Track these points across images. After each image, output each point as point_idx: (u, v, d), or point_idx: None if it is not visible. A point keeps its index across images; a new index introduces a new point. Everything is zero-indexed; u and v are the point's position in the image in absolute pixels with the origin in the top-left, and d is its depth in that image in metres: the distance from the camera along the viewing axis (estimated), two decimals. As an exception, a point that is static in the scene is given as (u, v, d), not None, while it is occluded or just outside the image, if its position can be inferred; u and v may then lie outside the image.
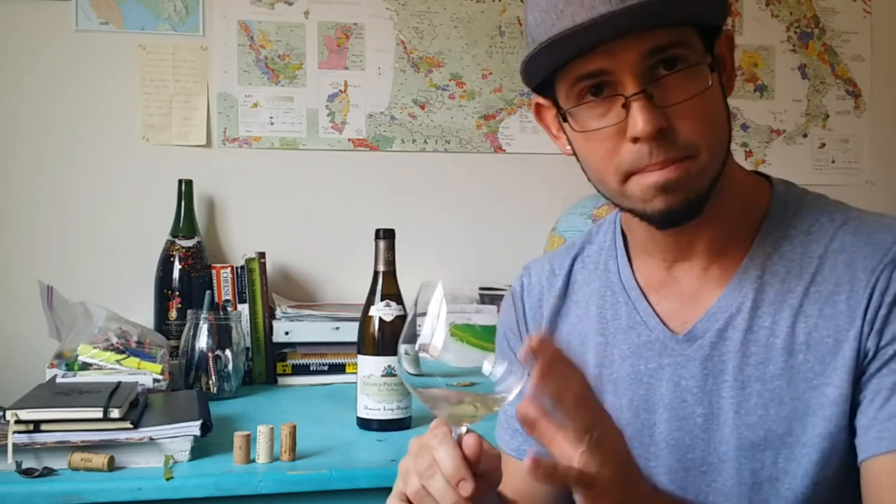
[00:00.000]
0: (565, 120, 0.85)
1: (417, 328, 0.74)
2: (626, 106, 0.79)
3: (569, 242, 1.04)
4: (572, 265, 1.00)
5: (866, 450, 0.79)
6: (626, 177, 0.82)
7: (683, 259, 0.90)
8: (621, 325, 0.92)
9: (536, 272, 1.02)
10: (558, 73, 0.83)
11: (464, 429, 0.73)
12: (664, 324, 0.90)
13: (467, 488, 0.70)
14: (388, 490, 1.17)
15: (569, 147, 0.90)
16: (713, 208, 0.86)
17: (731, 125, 0.86)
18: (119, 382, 1.32)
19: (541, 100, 0.90)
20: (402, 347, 0.75)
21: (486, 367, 0.73)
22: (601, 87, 0.81)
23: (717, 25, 0.84)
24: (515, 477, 0.96)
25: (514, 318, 1.02)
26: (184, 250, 1.78)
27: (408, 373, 0.75)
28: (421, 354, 0.73)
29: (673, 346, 0.88)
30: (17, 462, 1.12)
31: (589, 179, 0.89)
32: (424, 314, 0.74)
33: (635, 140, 0.79)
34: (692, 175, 0.80)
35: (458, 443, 0.72)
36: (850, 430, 0.81)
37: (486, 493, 0.73)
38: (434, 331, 0.74)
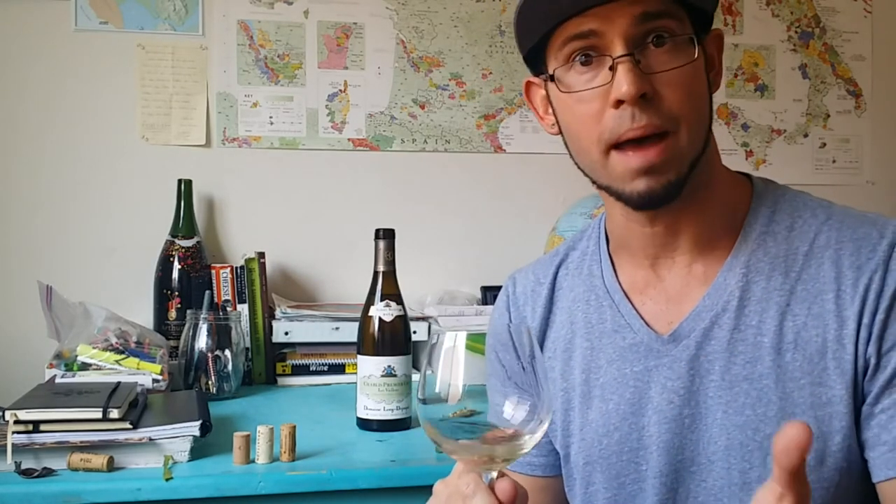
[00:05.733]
0: (552, 80, 0.85)
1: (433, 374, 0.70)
2: (612, 68, 0.80)
3: (553, 250, 1.04)
4: (556, 273, 0.99)
5: (889, 470, 0.78)
6: (608, 148, 0.82)
7: (666, 255, 0.90)
8: (606, 329, 0.92)
9: (521, 282, 1.02)
10: (551, 36, 0.84)
11: (494, 474, 0.69)
12: (648, 325, 0.89)
13: None
14: (388, 490, 1.18)
15: (554, 126, 0.91)
16: (694, 201, 0.86)
17: (712, 115, 0.87)
18: (118, 383, 1.32)
19: (533, 78, 0.92)
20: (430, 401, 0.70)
21: (508, 411, 0.69)
22: (590, 56, 0.82)
23: (708, 13, 0.86)
24: None
25: (504, 327, 1.02)
26: (183, 250, 1.77)
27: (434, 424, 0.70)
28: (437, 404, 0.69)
29: (658, 348, 0.87)
30: (16, 462, 1.12)
31: (571, 156, 0.89)
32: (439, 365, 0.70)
33: (618, 104, 0.80)
34: (672, 156, 0.81)
35: (491, 488, 0.68)
36: (847, 434, 0.80)
37: None
38: (451, 377, 0.69)
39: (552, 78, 0.85)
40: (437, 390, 0.69)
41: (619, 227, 0.92)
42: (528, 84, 0.94)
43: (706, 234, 0.88)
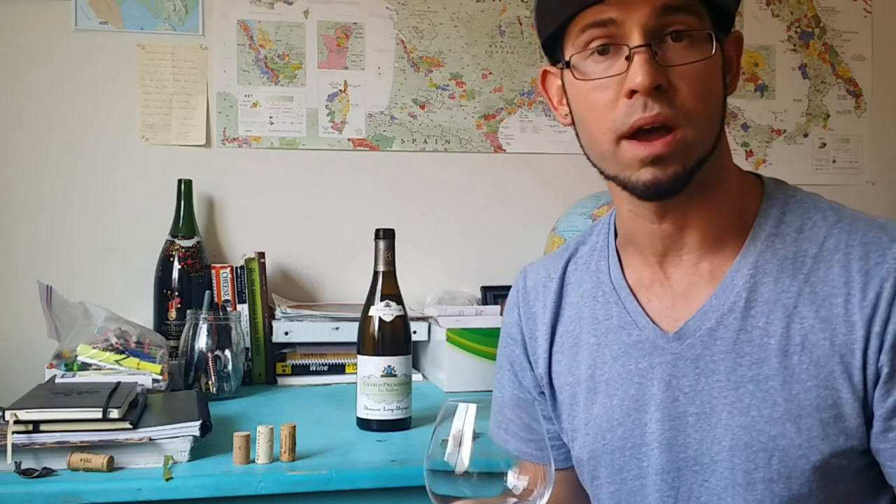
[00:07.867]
0: (568, 66, 0.85)
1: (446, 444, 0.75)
2: (629, 58, 0.80)
3: (564, 244, 1.04)
4: (566, 268, 1.00)
5: None
6: (619, 138, 0.82)
7: (673, 253, 0.90)
8: (612, 325, 0.92)
9: (532, 277, 1.02)
10: (569, 22, 0.84)
11: None
12: (654, 322, 0.89)
13: None
14: (388, 490, 1.18)
15: (567, 117, 0.90)
16: (703, 199, 0.86)
17: (724, 116, 0.86)
18: (118, 383, 1.32)
19: (549, 67, 0.92)
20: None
21: (511, 480, 0.74)
22: (608, 47, 0.82)
23: (730, 12, 0.86)
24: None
25: (513, 322, 1.02)
26: (183, 250, 1.77)
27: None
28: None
29: (664, 346, 0.88)
30: (16, 462, 1.12)
31: (581, 147, 0.89)
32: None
33: (631, 94, 0.80)
34: (679, 149, 0.81)
35: None
36: (851, 436, 0.80)
37: None
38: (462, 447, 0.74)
39: (568, 65, 0.85)
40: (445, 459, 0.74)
41: (627, 223, 0.92)
42: (545, 73, 0.94)
43: (714, 233, 0.88)
